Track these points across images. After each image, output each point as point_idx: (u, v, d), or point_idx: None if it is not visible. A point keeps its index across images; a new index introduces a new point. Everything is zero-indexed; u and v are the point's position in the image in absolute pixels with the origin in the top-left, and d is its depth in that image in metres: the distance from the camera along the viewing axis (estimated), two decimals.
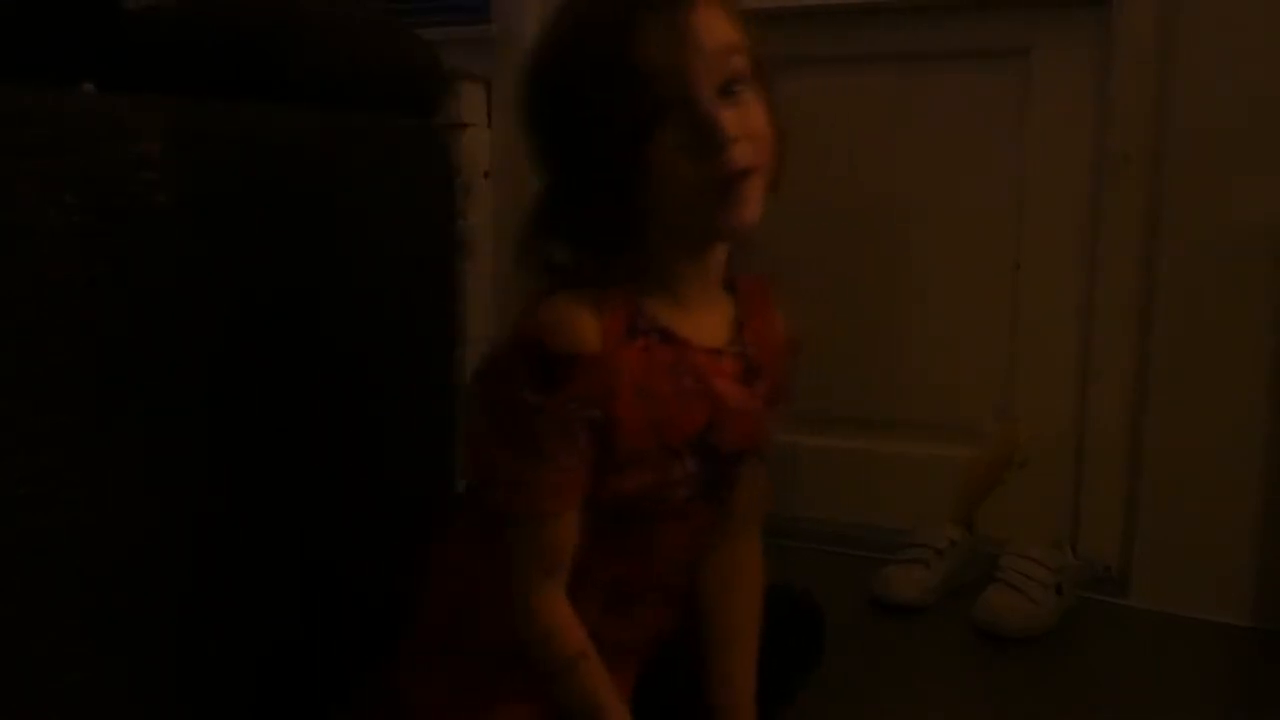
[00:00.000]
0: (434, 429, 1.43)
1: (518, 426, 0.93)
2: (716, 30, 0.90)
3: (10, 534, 0.90)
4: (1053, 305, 1.89)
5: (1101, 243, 1.82)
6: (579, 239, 0.97)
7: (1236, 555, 1.71)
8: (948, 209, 1.94)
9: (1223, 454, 1.71)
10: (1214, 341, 1.70)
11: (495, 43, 2.14)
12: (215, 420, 1.07)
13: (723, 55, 0.90)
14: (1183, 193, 1.70)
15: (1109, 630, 1.72)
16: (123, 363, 0.98)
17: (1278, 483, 1.67)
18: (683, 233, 0.95)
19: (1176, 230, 1.71)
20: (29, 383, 0.91)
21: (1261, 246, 1.64)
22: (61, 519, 0.93)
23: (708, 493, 1.03)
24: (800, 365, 2.04)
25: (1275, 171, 1.63)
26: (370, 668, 1.11)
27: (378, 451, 1.31)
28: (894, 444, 2.02)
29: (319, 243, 1.17)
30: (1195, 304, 1.71)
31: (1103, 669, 1.60)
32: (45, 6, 1.11)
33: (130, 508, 0.99)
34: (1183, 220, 1.71)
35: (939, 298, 1.96)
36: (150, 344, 1.00)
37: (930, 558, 1.79)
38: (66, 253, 0.93)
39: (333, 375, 1.20)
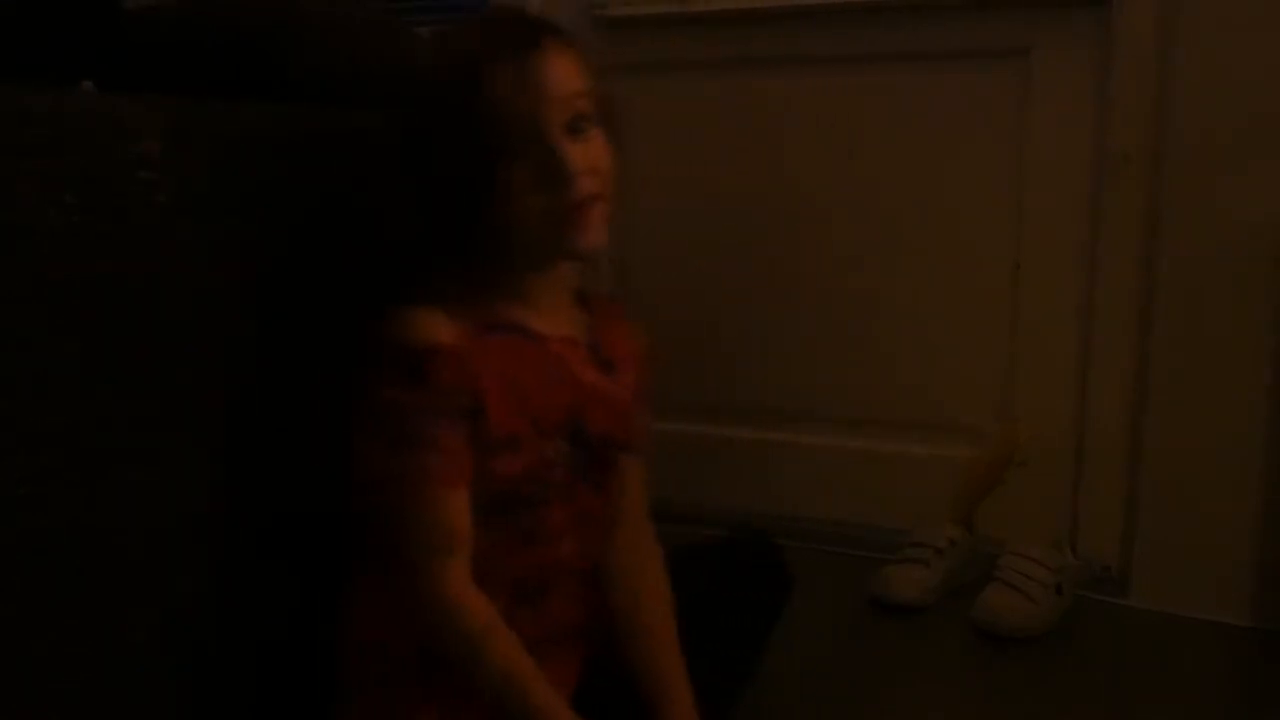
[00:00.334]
0: None
1: (391, 424, 0.99)
2: (563, 75, 1.00)
3: (10, 534, 0.90)
4: (1053, 305, 1.89)
5: (1101, 243, 1.82)
6: (440, 259, 1.06)
7: (1236, 555, 1.71)
8: (947, 209, 1.94)
9: (1222, 454, 1.71)
10: (1214, 341, 1.70)
11: None
12: (215, 420, 1.07)
13: (569, 98, 1.00)
14: (1182, 193, 1.70)
15: (1108, 630, 1.73)
16: (123, 362, 0.98)
17: (1277, 482, 1.67)
18: (531, 255, 1.05)
19: (1176, 230, 1.71)
20: (29, 383, 0.91)
21: (1261, 246, 1.64)
22: (61, 519, 0.93)
23: (585, 476, 1.09)
24: (800, 364, 2.05)
25: (1275, 171, 1.63)
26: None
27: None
28: (894, 444, 2.02)
29: (318, 242, 1.17)
30: (1195, 304, 1.71)
31: (1102, 669, 1.60)
32: (45, 6, 1.11)
33: (130, 508, 0.99)
34: (1183, 220, 1.71)
35: (938, 297, 1.97)
36: (150, 344, 1.00)
37: (930, 557, 1.80)
38: (66, 253, 0.93)
39: (333, 375, 1.20)
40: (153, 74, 1.12)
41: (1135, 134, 1.75)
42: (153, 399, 1.01)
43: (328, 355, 1.17)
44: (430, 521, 1.00)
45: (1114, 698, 1.51)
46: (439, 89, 1.01)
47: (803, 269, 2.04)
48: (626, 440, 1.14)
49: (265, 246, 1.12)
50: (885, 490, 2.01)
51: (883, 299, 2.00)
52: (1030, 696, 1.52)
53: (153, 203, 1.00)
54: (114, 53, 1.16)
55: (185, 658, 1.06)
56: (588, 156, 1.01)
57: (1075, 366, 1.88)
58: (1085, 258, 1.85)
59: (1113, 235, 1.81)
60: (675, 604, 1.17)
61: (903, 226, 1.97)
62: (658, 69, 2.11)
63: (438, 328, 0.99)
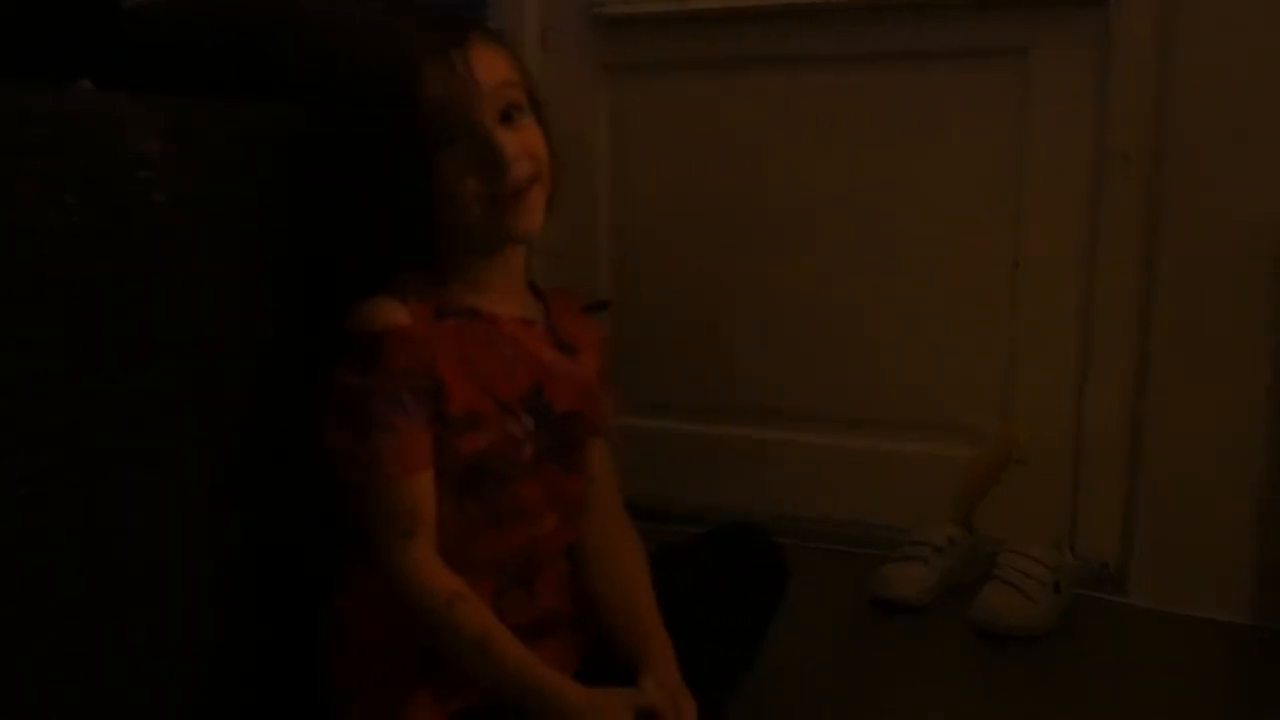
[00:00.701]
0: None
1: (351, 409, 1.02)
2: (492, 67, 1.05)
3: (10, 534, 0.90)
4: (1052, 304, 1.89)
5: (1101, 242, 1.82)
6: (386, 253, 1.10)
7: (1235, 553, 1.71)
8: (946, 208, 1.94)
9: (1221, 452, 1.71)
10: (1213, 340, 1.70)
11: None
12: (215, 419, 1.07)
13: (499, 88, 1.05)
14: (1182, 192, 1.70)
15: (1107, 628, 1.73)
16: (123, 362, 0.98)
17: (1276, 481, 1.67)
18: (475, 239, 1.09)
19: (1176, 230, 1.71)
20: (29, 383, 0.91)
21: (1261, 245, 1.64)
22: (61, 519, 0.93)
23: (553, 453, 1.12)
24: (799, 363, 2.05)
25: (1274, 171, 1.63)
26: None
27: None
28: (893, 443, 2.02)
29: (318, 241, 1.17)
30: (1194, 303, 1.71)
31: (1101, 667, 1.60)
32: (43, 5, 1.11)
33: (130, 508, 0.99)
34: (1182, 220, 1.71)
35: (938, 297, 1.96)
36: (150, 344, 1.00)
37: (929, 556, 1.80)
38: (66, 253, 0.93)
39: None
40: (152, 73, 1.12)
41: (1135, 134, 1.75)
42: (153, 399, 1.01)
43: (328, 351, 1.17)
44: (391, 503, 1.03)
45: (1113, 696, 1.51)
46: (371, 87, 1.06)
47: (802, 268, 2.04)
48: (592, 418, 1.17)
49: (264, 245, 1.12)
50: (884, 489, 2.01)
51: (882, 298, 2.00)
52: (1029, 695, 1.52)
53: (152, 202, 1.00)
54: (113, 51, 1.16)
55: (185, 658, 1.06)
56: (521, 143, 1.05)
57: (1074, 366, 1.88)
58: (1084, 257, 1.85)
59: (1112, 235, 1.81)
60: (670, 597, 1.18)
61: (902, 226, 1.97)
62: (657, 67, 2.11)
63: (392, 313, 1.04)
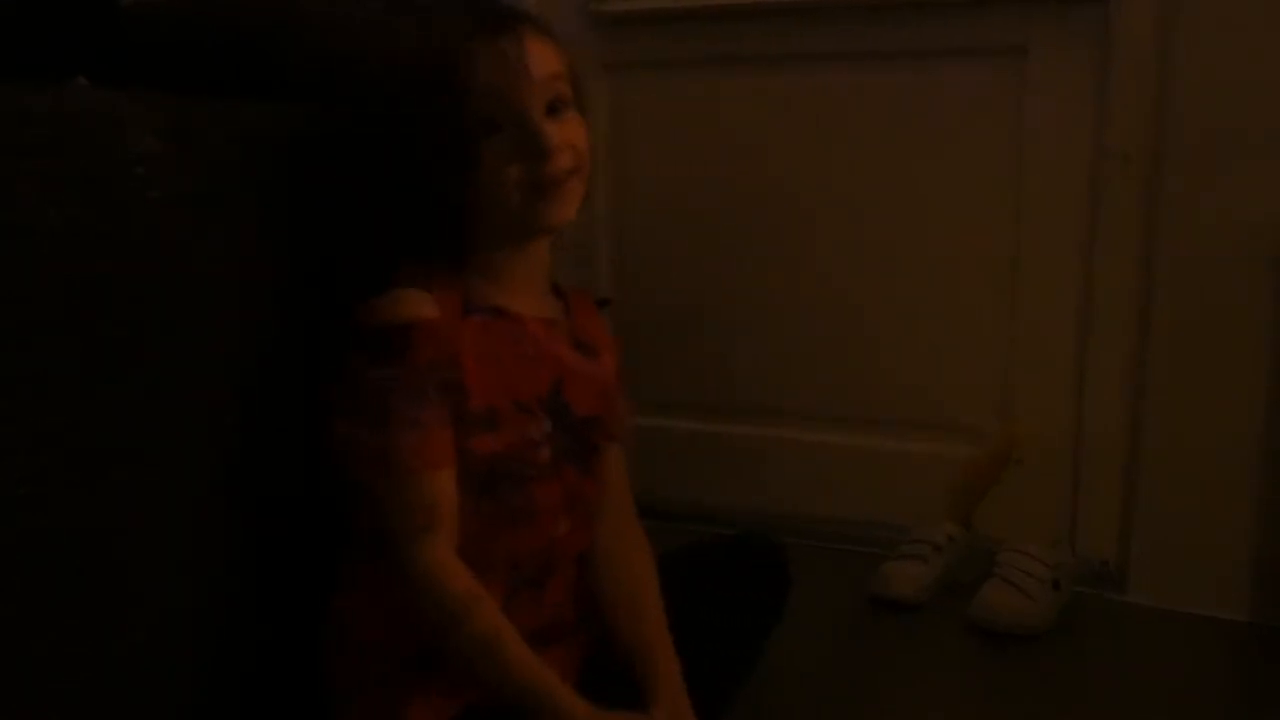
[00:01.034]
0: None
1: (371, 403, 1.01)
2: (542, 58, 1.05)
3: (10, 534, 0.90)
4: (1051, 304, 1.89)
5: (1100, 241, 1.82)
6: (417, 241, 1.10)
7: (1234, 551, 1.71)
8: (945, 207, 1.94)
9: (1220, 450, 1.71)
10: (1212, 339, 1.70)
11: None
12: (215, 419, 1.07)
13: (547, 80, 1.05)
14: (1181, 192, 1.70)
15: (1107, 626, 1.73)
16: (123, 362, 0.98)
17: (1275, 479, 1.67)
18: (509, 229, 1.08)
19: (1175, 229, 1.71)
20: (29, 383, 0.90)
21: (1260, 245, 1.64)
22: (61, 519, 0.93)
23: (569, 455, 1.11)
24: (799, 362, 2.05)
25: (1273, 170, 1.63)
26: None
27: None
28: (892, 441, 2.02)
29: (318, 241, 1.17)
30: (1193, 302, 1.71)
31: (1100, 665, 1.61)
32: (42, 3, 1.11)
33: (130, 508, 0.99)
34: (1181, 219, 1.71)
35: (937, 296, 1.96)
36: (150, 343, 1.00)
37: (929, 554, 1.80)
38: (66, 252, 0.93)
39: (332, 374, 1.20)
40: (151, 72, 1.12)
41: (1134, 133, 1.75)
42: (153, 399, 1.01)
43: (327, 351, 1.17)
44: (411, 500, 1.01)
45: (1112, 693, 1.51)
46: (423, 71, 1.04)
47: (802, 266, 2.04)
48: (610, 421, 1.17)
49: (264, 245, 1.12)
50: (884, 487, 2.01)
51: (881, 297, 2.00)
52: (1029, 693, 1.52)
53: (151, 201, 1.00)
54: (111, 50, 1.15)
55: (185, 658, 1.06)
56: (565, 134, 1.06)
57: (1074, 365, 1.88)
58: (1084, 256, 1.85)
59: (1112, 234, 1.81)
60: (675, 601, 1.17)
61: (902, 224, 1.97)
62: (656, 65, 2.11)
63: (420, 303, 1.02)
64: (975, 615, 1.69)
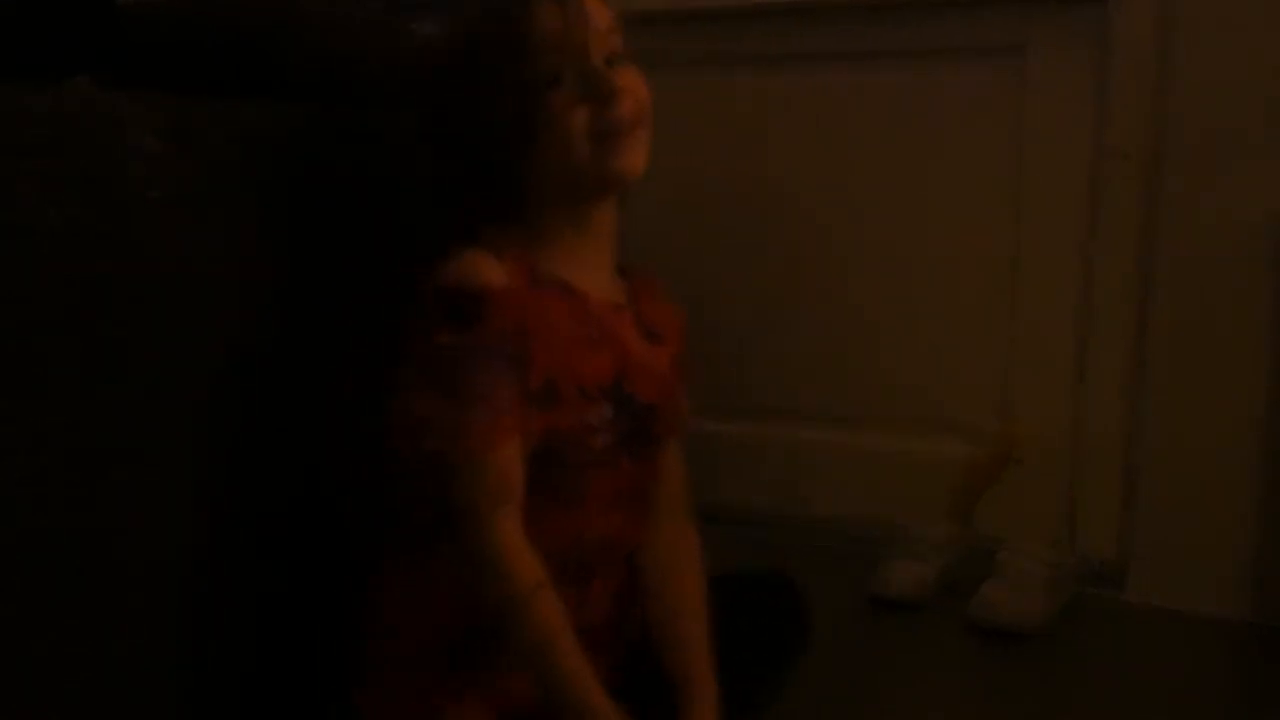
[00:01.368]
0: None
1: (443, 371, 0.97)
2: (598, 13, 1.07)
3: (10, 534, 0.90)
4: (1051, 303, 1.89)
5: (1099, 240, 1.82)
6: (478, 206, 1.07)
7: (1234, 550, 1.71)
8: (945, 206, 1.94)
9: (1220, 449, 1.71)
10: (1211, 338, 1.70)
11: None
12: (215, 419, 1.07)
13: (605, 33, 1.07)
14: (1181, 191, 1.70)
15: (1106, 626, 1.73)
16: (123, 362, 0.98)
17: (1275, 478, 1.67)
18: (578, 184, 1.06)
19: (1174, 228, 1.71)
20: (29, 383, 0.91)
21: (1260, 245, 1.64)
22: (62, 519, 0.93)
23: (627, 444, 1.07)
24: (799, 361, 2.05)
25: (1273, 170, 1.63)
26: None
27: (379, 450, 1.30)
28: (892, 441, 2.02)
29: (318, 240, 1.16)
30: (1193, 301, 1.71)
31: (1100, 664, 1.61)
32: (41, 3, 1.10)
33: (130, 508, 0.99)
34: (1181, 218, 1.71)
35: (937, 295, 1.96)
36: (150, 343, 1.00)
37: (928, 553, 1.80)
38: (66, 252, 0.93)
39: (333, 374, 1.20)
40: (150, 71, 1.12)
41: (1133, 132, 1.75)
42: (153, 399, 1.00)
43: (328, 351, 1.17)
44: (483, 472, 0.97)
45: (1112, 693, 1.51)
46: (486, 24, 1.05)
47: (801, 266, 2.04)
48: (671, 413, 1.14)
49: (264, 244, 1.12)
50: (884, 487, 2.01)
51: (881, 297, 2.00)
52: (1028, 692, 1.52)
53: (151, 200, 1.00)
54: (110, 49, 1.15)
55: (185, 658, 1.06)
56: (626, 82, 1.06)
57: (1074, 364, 1.88)
58: (1083, 256, 1.85)
59: (1111, 233, 1.81)
60: None
61: (902, 224, 1.97)
62: (656, 65, 2.10)
63: (492, 271, 0.99)
64: (975, 615, 1.69)
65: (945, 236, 1.94)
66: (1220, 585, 1.72)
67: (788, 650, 1.28)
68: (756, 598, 1.26)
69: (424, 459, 0.99)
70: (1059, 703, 1.49)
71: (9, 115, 0.89)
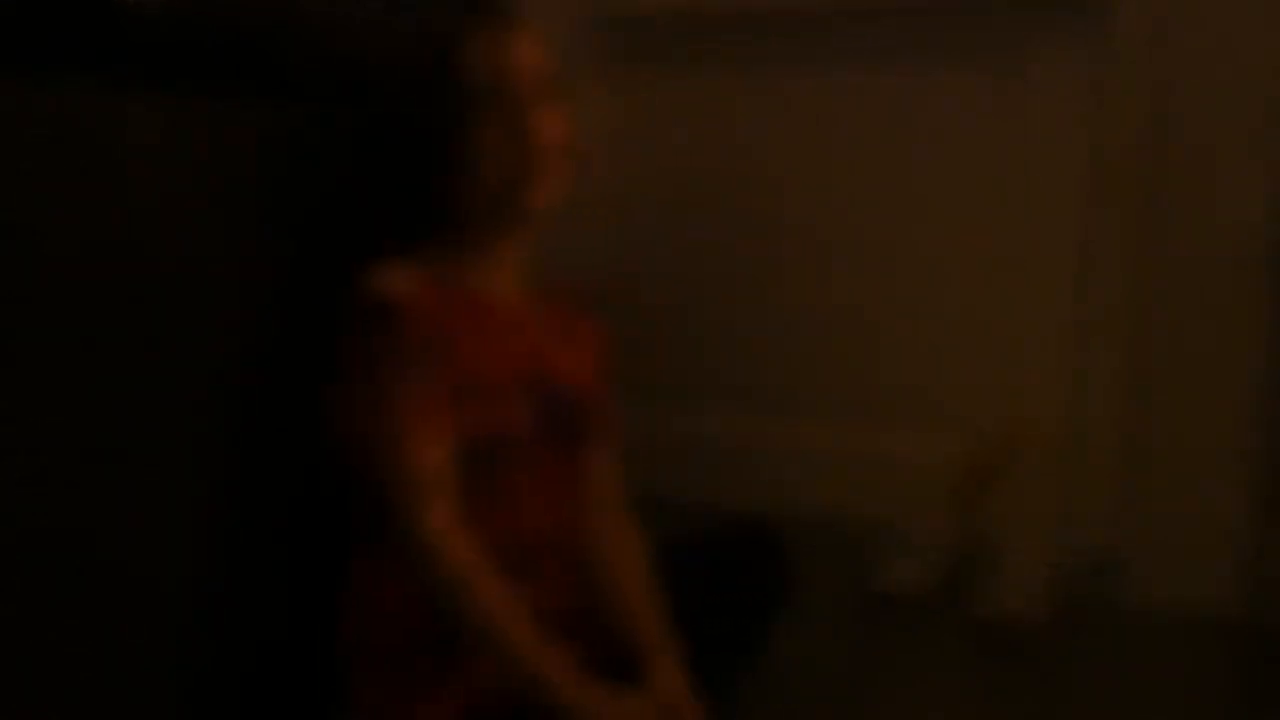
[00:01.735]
0: None
1: (367, 372, 1.04)
2: (531, 53, 1.13)
3: (10, 534, 0.90)
4: (1050, 302, 1.88)
5: (1098, 241, 1.82)
6: (402, 230, 1.13)
7: (1233, 551, 1.71)
8: (945, 208, 1.93)
9: (1220, 450, 1.71)
10: (1210, 339, 1.70)
11: None
12: (215, 418, 1.07)
13: (536, 72, 1.12)
14: (1178, 191, 1.71)
15: (1104, 624, 1.73)
16: (122, 361, 0.98)
17: (1274, 476, 1.67)
18: (493, 213, 1.12)
19: (1172, 228, 1.72)
20: (29, 382, 0.90)
21: (1257, 244, 1.64)
22: (62, 519, 0.93)
23: (554, 440, 1.12)
24: (800, 360, 2.05)
25: (1270, 172, 1.63)
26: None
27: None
28: (893, 438, 2.02)
29: (318, 238, 1.16)
30: (1191, 301, 1.71)
31: (1099, 663, 1.61)
32: (41, 2, 1.10)
33: (130, 507, 0.99)
34: (1179, 215, 1.71)
35: (937, 295, 1.96)
36: (149, 343, 1.00)
37: (928, 551, 1.80)
38: (66, 252, 0.93)
39: (331, 372, 1.20)
40: (151, 71, 1.11)
41: (1132, 128, 1.75)
42: (153, 399, 1.00)
43: (327, 349, 1.17)
44: (410, 467, 1.02)
45: (1110, 692, 1.52)
46: (422, 57, 1.11)
47: (802, 266, 2.04)
48: (594, 410, 1.18)
49: (265, 243, 1.12)
50: (884, 484, 2.01)
51: (881, 296, 2.00)
52: (1027, 689, 1.52)
53: (151, 199, 0.99)
54: (111, 49, 1.15)
55: (185, 657, 1.06)
56: (552, 124, 1.12)
57: (1073, 361, 1.87)
58: (1082, 256, 1.84)
59: (1110, 233, 1.81)
60: (676, 590, 1.17)
61: (902, 223, 1.97)
62: (657, 66, 2.11)
63: (404, 281, 1.06)
64: (975, 612, 1.69)
65: (945, 236, 1.94)
66: (1218, 585, 1.72)
67: (772, 597, 1.31)
68: (738, 548, 1.31)
69: (357, 462, 1.05)
70: (1058, 700, 1.49)
71: (10, 114, 0.89)
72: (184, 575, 1.05)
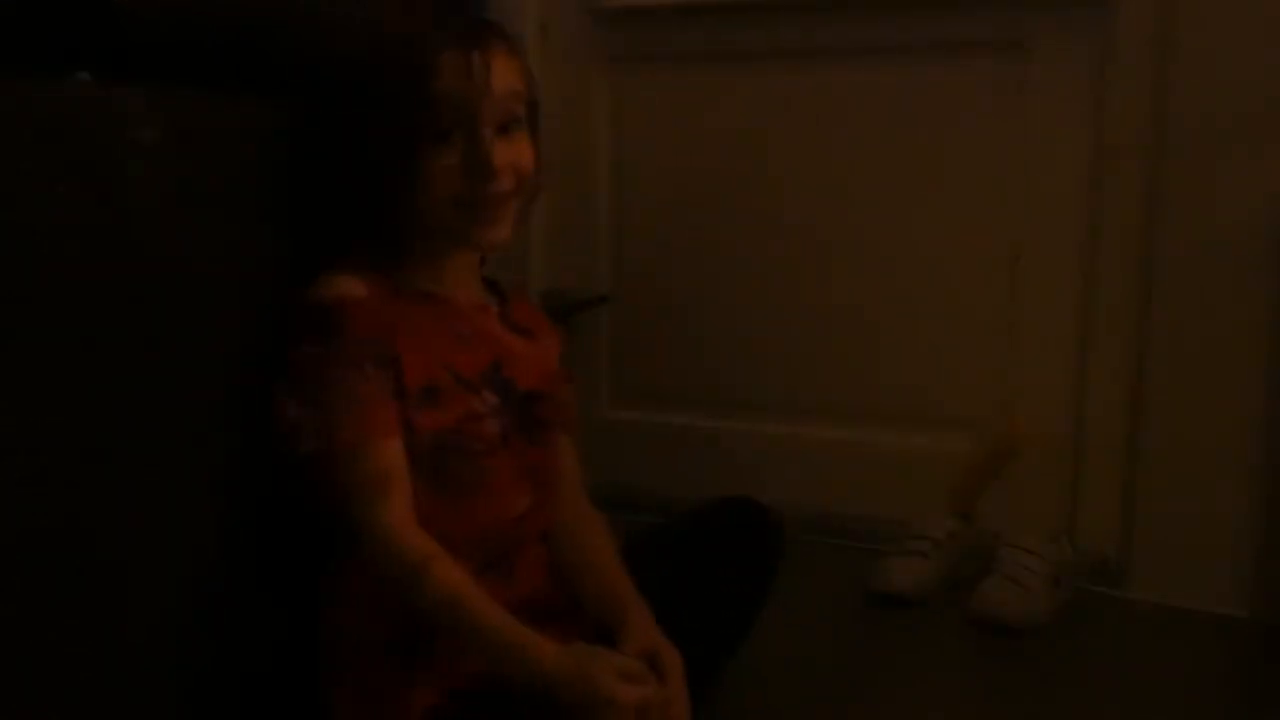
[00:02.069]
0: None
1: (309, 377, 1.03)
2: (504, 75, 1.07)
3: (10, 534, 0.89)
4: (1052, 298, 1.89)
5: (1100, 236, 1.82)
6: (351, 232, 1.12)
7: (1235, 547, 1.71)
8: (946, 202, 1.93)
9: (1221, 445, 1.71)
10: (1212, 333, 1.70)
11: None
12: (215, 417, 1.07)
13: (506, 98, 1.07)
14: (1181, 185, 1.70)
15: (1107, 622, 1.73)
16: (122, 362, 0.97)
17: (1276, 474, 1.67)
18: (440, 237, 1.11)
19: (1175, 222, 1.71)
20: (28, 382, 0.90)
21: (1259, 240, 1.64)
22: (62, 519, 0.93)
23: (518, 430, 1.13)
24: (800, 357, 2.05)
25: (1274, 166, 1.63)
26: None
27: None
28: (893, 436, 2.02)
29: (316, 235, 1.16)
30: (1194, 296, 1.71)
31: (1100, 661, 1.61)
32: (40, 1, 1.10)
33: (128, 507, 0.99)
34: (1181, 212, 1.71)
35: (938, 291, 1.96)
36: (149, 342, 1.00)
37: (929, 550, 1.80)
38: (65, 249, 0.93)
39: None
40: (150, 67, 1.11)
41: (1135, 127, 1.75)
42: (152, 397, 1.00)
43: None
44: (358, 470, 1.02)
45: (1112, 690, 1.51)
46: (388, 71, 1.06)
47: (802, 262, 2.04)
48: (555, 399, 1.19)
49: (265, 239, 1.12)
50: (884, 483, 2.01)
51: (882, 293, 2.00)
52: (1029, 689, 1.52)
53: (151, 196, 0.99)
54: (110, 44, 1.15)
55: (185, 657, 1.06)
56: (512, 156, 1.08)
57: (1074, 359, 1.88)
58: (1084, 251, 1.85)
59: (1112, 228, 1.80)
60: (663, 569, 1.20)
61: (902, 219, 1.97)
62: (656, 61, 2.11)
63: (349, 284, 1.06)
64: (975, 611, 1.69)
65: (946, 232, 1.94)
66: (1220, 582, 1.72)
67: (760, 572, 1.33)
68: (729, 520, 1.34)
69: (301, 462, 1.04)
70: (1059, 700, 1.49)
71: (8, 111, 0.89)
72: (184, 575, 1.05)
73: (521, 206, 1.12)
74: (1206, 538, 1.73)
